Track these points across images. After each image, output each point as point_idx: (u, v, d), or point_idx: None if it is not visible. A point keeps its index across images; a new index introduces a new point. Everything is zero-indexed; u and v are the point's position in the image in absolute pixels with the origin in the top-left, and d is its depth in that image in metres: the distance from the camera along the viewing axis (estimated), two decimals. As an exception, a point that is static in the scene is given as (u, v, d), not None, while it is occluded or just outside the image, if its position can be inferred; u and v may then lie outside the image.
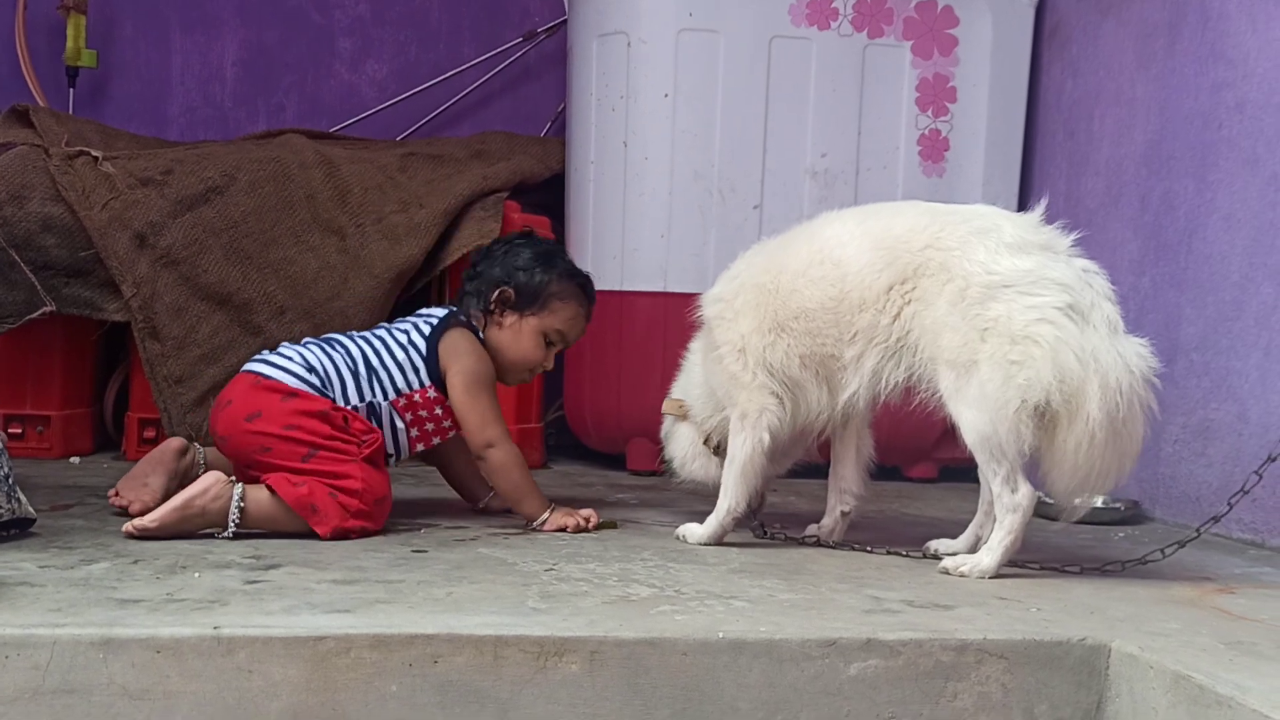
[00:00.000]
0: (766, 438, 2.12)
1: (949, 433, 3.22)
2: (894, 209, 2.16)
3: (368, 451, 2.13)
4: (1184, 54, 2.71)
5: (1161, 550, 2.02)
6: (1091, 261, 1.97)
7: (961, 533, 2.17)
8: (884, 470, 3.28)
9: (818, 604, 1.70)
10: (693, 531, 2.17)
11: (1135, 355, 1.89)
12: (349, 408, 2.18)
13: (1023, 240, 1.94)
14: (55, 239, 2.94)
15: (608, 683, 1.47)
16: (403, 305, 3.27)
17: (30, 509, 1.97)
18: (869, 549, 2.13)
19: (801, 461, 2.36)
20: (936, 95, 3.21)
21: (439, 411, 2.26)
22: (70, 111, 3.50)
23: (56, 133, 3.07)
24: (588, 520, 2.25)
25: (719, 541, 2.15)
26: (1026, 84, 3.26)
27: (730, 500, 2.14)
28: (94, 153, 3.01)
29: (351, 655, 1.44)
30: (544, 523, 2.23)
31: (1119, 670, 1.53)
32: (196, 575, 1.73)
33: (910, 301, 1.98)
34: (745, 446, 2.13)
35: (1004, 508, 1.94)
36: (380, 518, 2.12)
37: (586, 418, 3.32)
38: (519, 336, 2.31)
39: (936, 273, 1.96)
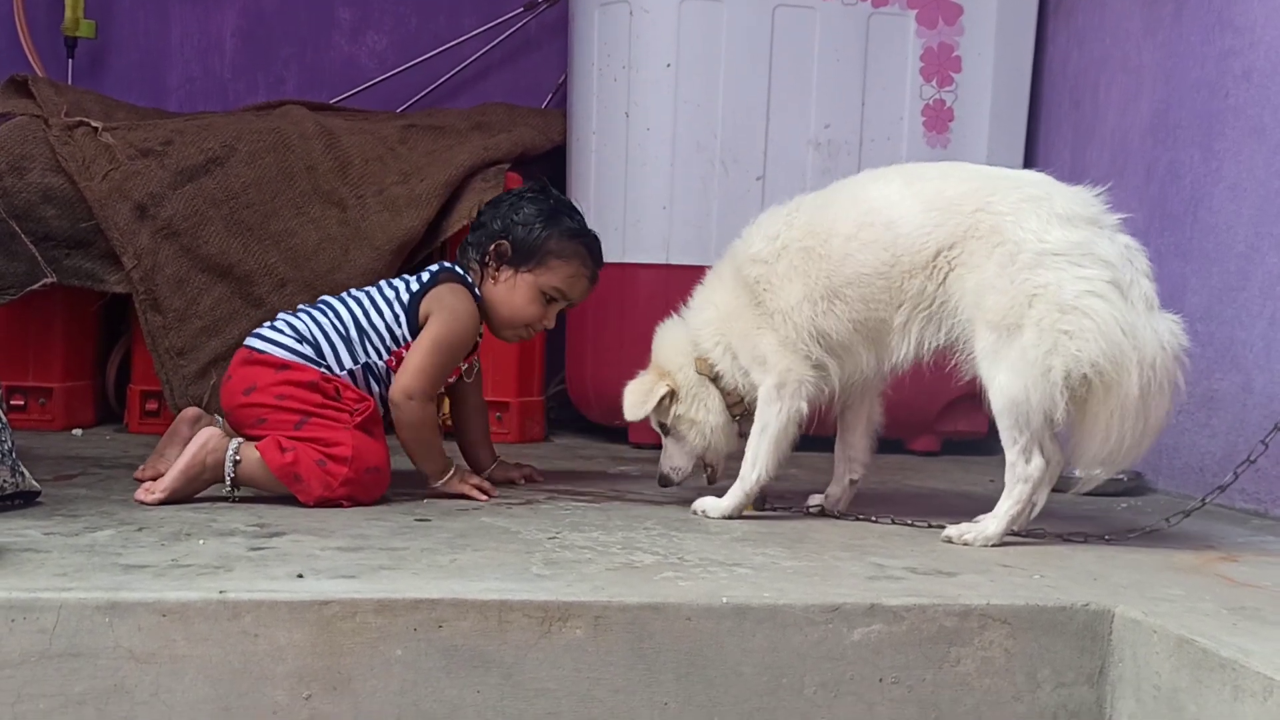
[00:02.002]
0: (804, 408, 2.09)
1: (951, 406, 3.28)
2: (940, 170, 2.14)
3: (359, 419, 2.12)
4: (1191, 21, 2.69)
5: (1166, 519, 2.03)
6: (1133, 238, 1.97)
7: (968, 504, 2.17)
8: (886, 443, 3.28)
9: (821, 571, 1.70)
10: (713, 505, 2.11)
11: (1168, 332, 1.91)
12: (344, 374, 2.18)
13: (1072, 212, 1.94)
14: (55, 210, 2.93)
15: (612, 647, 1.48)
16: (404, 279, 3.26)
17: (34, 483, 1.97)
18: (873, 518, 2.12)
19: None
20: (941, 65, 3.19)
21: None
22: (69, 82, 3.48)
23: (56, 103, 3.06)
24: (487, 493, 2.21)
25: (739, 515, 2.12)
26: (1032, 53, 3.24)
27: (760, 470, 2.09)
28: (94, 123, 3.00)
29: (356, 620, 1.45)
30: (445, 484, 2.21)
31: (1122, 635, 1.53)
32: (201, 542, 1.73)
33: (955, 266, 1.97)
34: (781, 416, 2.07)
35: (1015, 477, 1.94)
36: (373, 488, 2.11)
37: (588, 391, 3.31)
38: (514, 292, 2.28)
39: (987, 235, 1.94)
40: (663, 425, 2.24)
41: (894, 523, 2.11)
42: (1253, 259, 2.48)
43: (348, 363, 2.19)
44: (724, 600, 1.51)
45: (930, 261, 1.98)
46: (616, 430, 3.29)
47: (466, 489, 2.21)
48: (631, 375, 3.22)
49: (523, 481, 2.42)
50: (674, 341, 2.23)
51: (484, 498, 2.20)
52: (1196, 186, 2.64)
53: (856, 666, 1.51)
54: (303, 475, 2.04)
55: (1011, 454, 1.94)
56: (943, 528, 2.01)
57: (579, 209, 2.42)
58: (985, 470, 3.03)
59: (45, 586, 1.43)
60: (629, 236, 3.18)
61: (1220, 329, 2.53)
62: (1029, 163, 3.25)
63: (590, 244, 2.35)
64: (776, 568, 1.71)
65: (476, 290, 2.29)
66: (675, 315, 2.31)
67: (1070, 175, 3.10)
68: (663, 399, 2.18)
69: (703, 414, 2.17)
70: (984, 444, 3.39)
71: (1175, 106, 2.73)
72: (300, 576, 1.53)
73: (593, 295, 3.33)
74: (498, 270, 2.29)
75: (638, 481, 2.57)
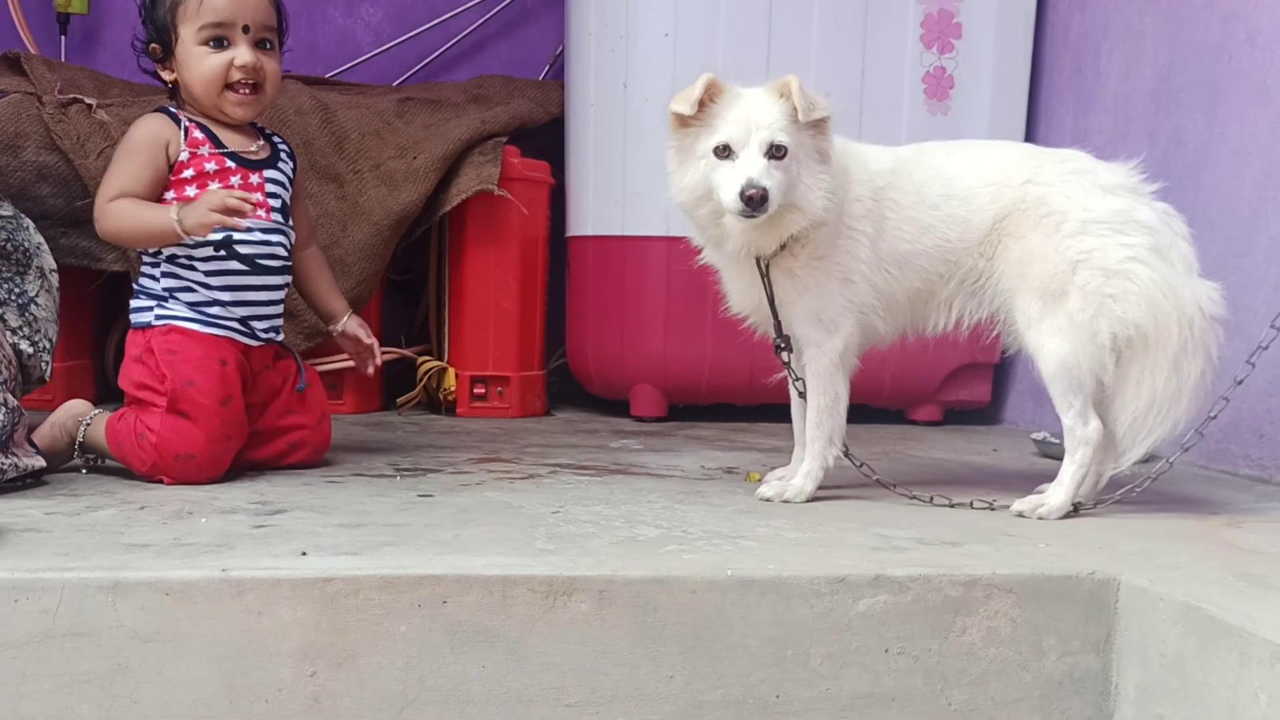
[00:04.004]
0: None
1: (953, 376, 3.27)
2: (985, 145, 2.16)
3: (166, 402, 2.03)
4: (1193, -16, 2.66)
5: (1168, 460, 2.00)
6: (1169, 205, 1.99)
7: (974, 475, 2.15)
8: (888, 414, 3.30)
9: (825, 542, 1.69)
10: (797, 488, 2.00)
11: (1207, 298, 1.94)
12: (154, 282, 2.10)
13: (1114, 183, 1.98)
14: (51, 188, 2.91)
15: (616, 621, 1.47)
16: (402, 252, 3.25)
17: (38, 459, 1.96)
18: (929, 499, 2.01)
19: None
20: (942, 32, 3.16)
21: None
22: (62, 59, 3.46)
23: (49, 80, 3.03)
24: (237, 207, 2.02)
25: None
26: (1034, 18, 3.21)
27: (837, 444, 2.02)
28: (88, 100, 2.97)
29: (360, 596, 1.44)
30: (184, 220, 2.04)
31: (1128, 603, 1.52)
32: (204, 520, 1.73)
33: (1003, 238, 1.98)
34: (846, 385, 2.02)
35: (1076, 440, 1.95)
36: (192, 473, 2.01)
37: (590, 365, 3.31)
38: (187, 68, 2.10)
39: (1034, 206, 1.96)
40: None
41: (948, 503, 1.99)
42: (1257, 224, 2.46)
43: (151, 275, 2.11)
44: (728, 573, 1.50)
45: (986, 237, 1.99)
46: (619, 404, 3.29)
47: (227, 203, 2.01)
48: (632, 348, 3.22)
49: (369, 345, 2.35)
50: None
51: (246, 206, 2.02)
52: (1200, 152, 2.61)
53: (862, 637, 1.51)
54: (124, 447, 2.05)
55: (1068, 418, 1.95)
56: (984, 504, 1.99)
57: None
58: (987, 440, 3.03)
59: (47, 566, 1.42)
60: (629, 209, 3.16)
61: (1225, 295, 2.51)
62: (1031, 130, 3.23)
63: None
64: (781, 539, 1.71)
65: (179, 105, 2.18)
66: None
67: (1073, 142, 3.09)
68: None
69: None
70: (986, 413, 3.39)
71: (1178, 71, 2.70)
72: (304, 554, 1.52)
73: (594, 268, 3.35)
74: (169, 68, 2.14)
75: (640, 454, 2.57)
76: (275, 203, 2.19)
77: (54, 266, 2.21)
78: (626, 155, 3.15)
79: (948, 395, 3.31)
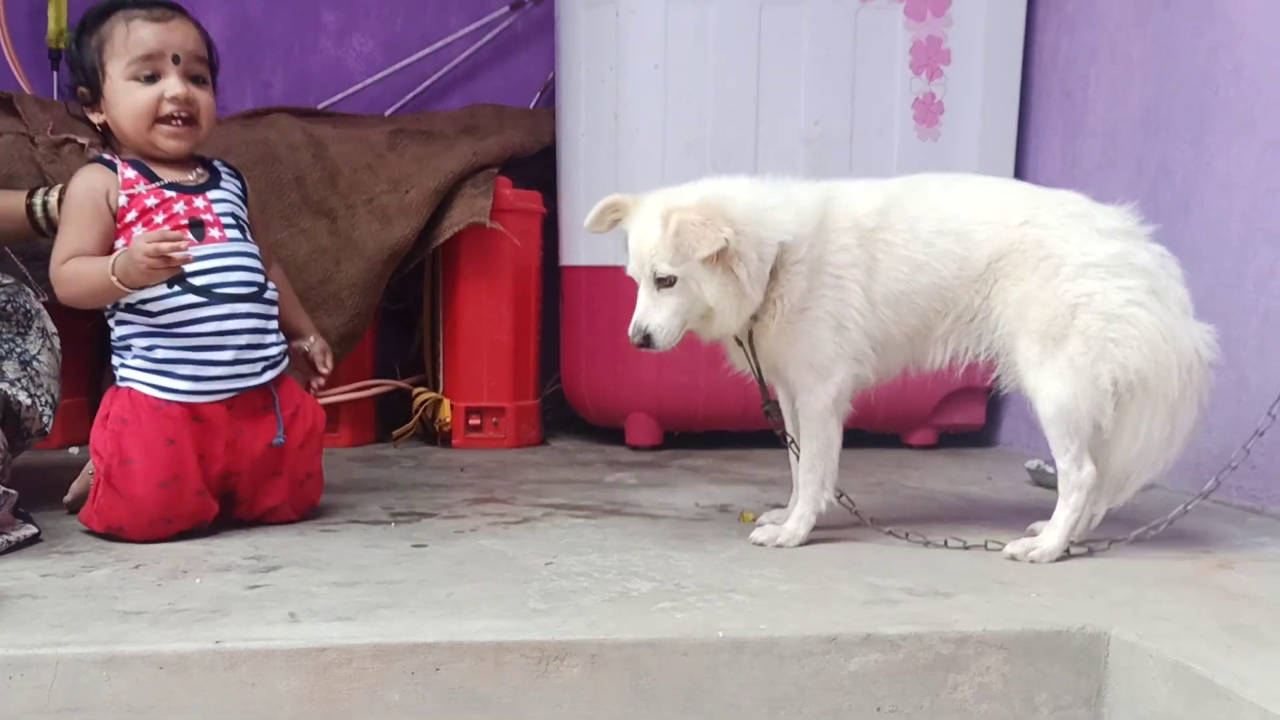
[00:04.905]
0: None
1: (948, 399, 3.28)
2: (980, 180, 2.17)
3: (102, 475, 1.98)
4: (1180, 11, 2.66)
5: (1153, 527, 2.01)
6: (1163, 247, 2.01)
7: (966, 507, 2.16)
8: (883, 438, 3.31)
9: (817, 595, 1.70)
10: (790, 532, 2.01)
11: (1203, 343, 1.95)
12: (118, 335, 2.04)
13: (1111, 227, 1.99)
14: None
15: (609, 685, 1.48)
16: (394, 286, 3.26)
17: (27, 528, 1.95)
18: (870, 521, 2.06)
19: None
20: (930, 57, 3.17)
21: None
22: (55, 93, 3.46)
23: (41, 120, 3.04)
24: (170, 249, 1.91)
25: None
26: (1022, 43, 3.22)
27: (830, 488, 2.02)
28: (80, 140, 2.97)
29: (353, 665, 1.45)
30: (125, 270, 1.94)
31: (1118, 659, 1.53)
32: (198, 581, 1.73)
33: (999, 278, 1.98)
34: (839, 430, 2.02)
35: (1070, 485, 1.96)
36: (134, 539, 1.95)
37: (584, 393, 3.31)
38: (116, 106, 2.05)
39: (1033, 248, 1.96)
40: None
41: (942, 544, 2.00)
42: (1245, 255, 2.47)
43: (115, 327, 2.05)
44: (720, 634, 1.51)
45: (981, 274, 1.99)
46: (614, 431, 3.30)
47: (147, 250, 1.90)
48: (626, 377, 3.22)
49: (320, 366, 2.25)
50: None
51: (175, 250, 1.91)
52: (1188, 182, 2.62)
53: (854, 696, 1.52)
54: (89, 505, 2.02)
55: (1063, 462, 1.96)
56: (977, 544, 2.00)
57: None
58: (981, 466, 3.03)
59: (42, 641, 1.43)
60: (620, 239, 3.15)
61: (1214, 325, 2.50)
62: (1020, 155, 3.24)
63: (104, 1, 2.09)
64: (773, 592, 1.71)
65: (113, 151, 2.13)
66: None
67: (1062, 168, 3.10)
68: None
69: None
70: (980, 435, 3.40)
71: (1166, 99, 2.71)
72: (293, 615, 1.53)
73: (586, 297, 3.35)
74: (99, 110, 2.09)
75: (635, 490, 2.58)
76: (228, 220, 2.09)
77: (55, 330, 2.21)
78: (618, 186, 3.11)
79: (942, 419, 3.32)
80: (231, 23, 3.66)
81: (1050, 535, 1.95)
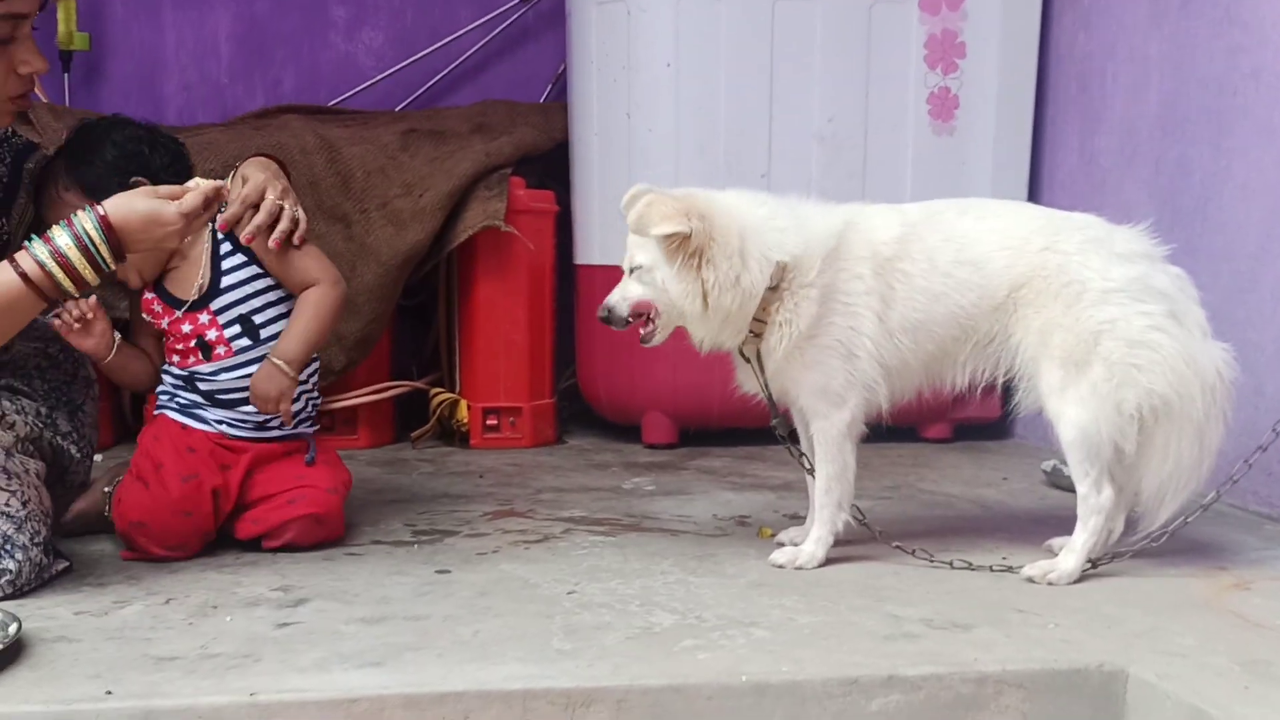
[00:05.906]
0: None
1: (964, 393, 3.28)
2: (998, 205, 2.15)
3: (133, 476, 2.14)
4: (1197, 14, 2.64)
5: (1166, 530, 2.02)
6: (1179, 268, 2.02)
7: (983, 516, 2.18)
8: (899, 431, 3.31)
9: (838, 629, 1.72)
10: (809, 555, 2.03)
11: (1222, 362, 1.97)
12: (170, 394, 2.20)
13: (1130, 250, 1.99)
14: (61, 241, 2.93)
15: (635, 730, 1.51)
16: (409, 282, 3.26)
17: (62, 562, 1.98)
18: (893, 545, 2.07)
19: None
20: (945, 52, 3.15)
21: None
22: (66, 95, 3.46)
23: (55, 129, 3.03)
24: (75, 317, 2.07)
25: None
26: (1038, 35, 3.19)
27: (846, 510, 2.05)
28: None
29: (384, 715, 1.48)
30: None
31: (1136, 696, 1.56)
32: (228, 619, 1.76)
33: (1020, 305, 1.99)
34: (854, 454, 2.04)
35: (1090, 509, 1.97)
36: (148, 542, 2.07)
37: (601, 391, 3.33)
38: None
39: (1054, 275, 1.97)
40: None
41: (965, 565, 2.02)
42: (1263, 260, 2.46)
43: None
44: (743, 679, 1.54)
45: (1001, 303, 2.00)
46: (630, 428, 3.32)
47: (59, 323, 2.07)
48: (642, 375, 3.23)
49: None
50: None
51: (75, 320, 2.07)
52: (1206, 183, 2.61)
53: (875, 737, 1.54)
54: (113, 505, 2.14)
55: (1083, 486, 1.98)
56: (1000, 566, 2.02)
57: None
58: (997, 464, 3.05)
59: (80, 696, 1.46)
60: (636, 238, 3.16)
61: (1231, 330, 2.49)
62: (1037, 150, 3.22)
63: None
64: (793, 626, 1.74)
65: None
66: None
67: (1079, 163, 3.09)
68: None
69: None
70: (996, 428, 3.41)
71: (1184, 100, 2.69)
72: (322, 663, 1.56)
73: (602, 296, 3.27)
74: None
75: (653, 499, 2.60)
76: (233, 331, 2.16)
77: (95, 377, 2.25)
78: (632, 184, 3.13)
79: (959, 412, 3.32)
80: (240, 19, 3.66)
81: (1068, 558, 1.97)
